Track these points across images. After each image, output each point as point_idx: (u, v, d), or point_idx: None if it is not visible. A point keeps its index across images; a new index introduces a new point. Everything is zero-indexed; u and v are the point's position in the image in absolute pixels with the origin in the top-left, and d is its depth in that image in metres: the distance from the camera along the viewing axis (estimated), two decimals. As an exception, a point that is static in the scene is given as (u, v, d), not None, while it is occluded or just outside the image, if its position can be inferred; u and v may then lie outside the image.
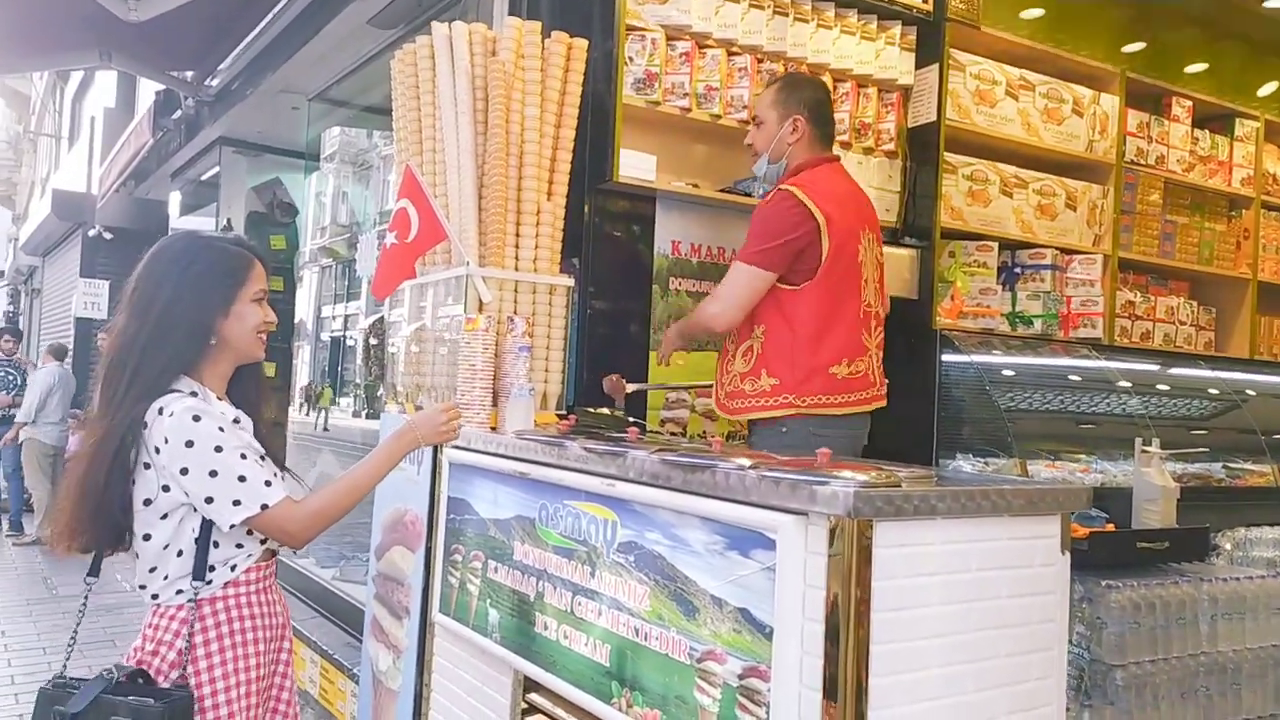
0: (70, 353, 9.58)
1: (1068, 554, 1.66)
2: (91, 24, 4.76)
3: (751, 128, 2.75)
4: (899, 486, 1.44)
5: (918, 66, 3.37)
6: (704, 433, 3.17)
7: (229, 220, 7.40)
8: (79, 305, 11.14)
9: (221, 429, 1.65)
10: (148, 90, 9.17)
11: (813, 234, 2.46)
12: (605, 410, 2.83)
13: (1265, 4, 3.96)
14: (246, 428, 1.74)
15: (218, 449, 1.63)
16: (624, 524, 1.84)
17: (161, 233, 9.64)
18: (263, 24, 4.78)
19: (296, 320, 7.38)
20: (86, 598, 1.80)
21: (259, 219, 7.19)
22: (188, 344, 1.70)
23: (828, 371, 2.51)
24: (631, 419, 2.93)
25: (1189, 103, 4.05)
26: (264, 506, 1.64)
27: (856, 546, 1.39)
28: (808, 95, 2.67)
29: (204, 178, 7.99)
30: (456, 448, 2.46)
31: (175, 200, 9.24)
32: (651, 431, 3.02)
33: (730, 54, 3.06)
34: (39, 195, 16.61)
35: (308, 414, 7.26)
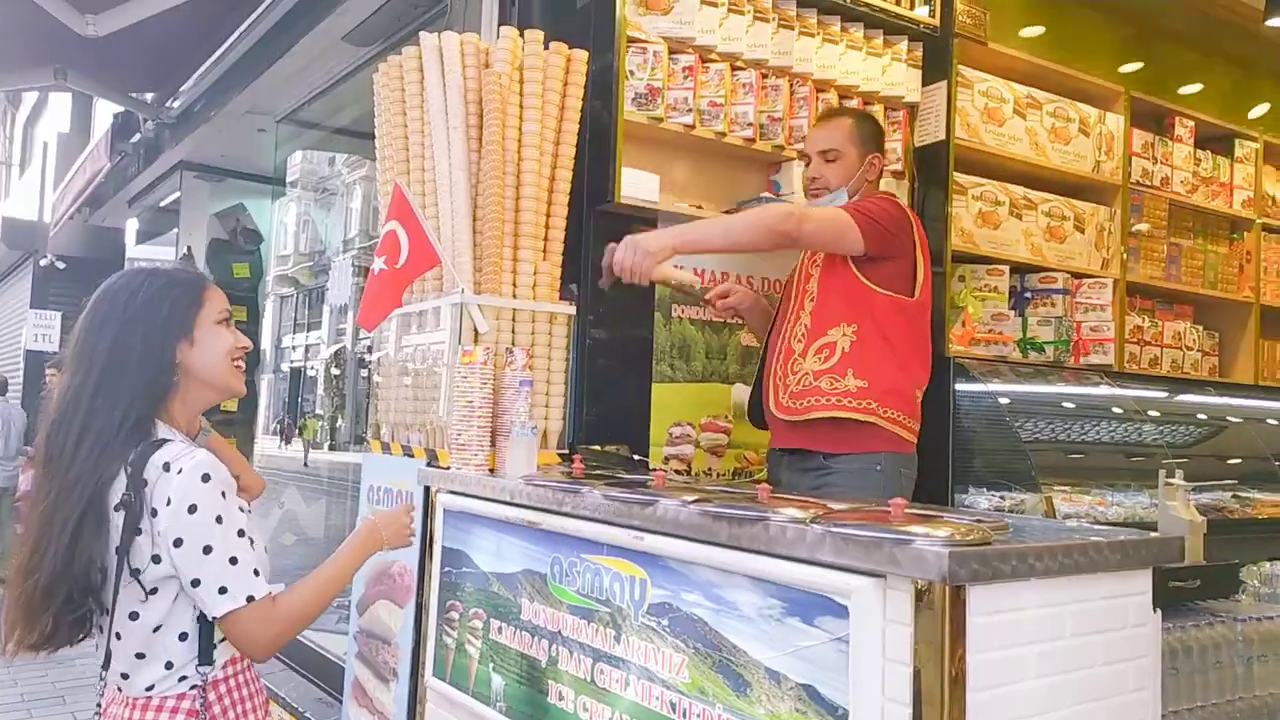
0: (8, 386, 9.13)
1: (1159, 612, 1.49)
2: (46, 41, 4.50)
3: (817, 161, 2.56)
4: (989, 544, 1.26)
5: (924, 83, 3.23)
6: (709, 469, 2.98)
7: (189, 248, 7.10)
8: (29, 338, 10.71)
9: (224, 494, 1.42)
10: (105, 114, 8.86)
11: (909, 245, 2.41)
12: (612, 448, 2.63)
13: (1262, 24, 3.90)
14: None
15: (219, 519, 1.40)
16: (655, 582, 1.63)
17: (116, 262, 9.30)
18: (229, 41, 4.54)
19: (261, 350, 7.10)
20: (103, 695, 1.51)
21: (221, 246, 6.91)
22: (146, 382, 1.46)
23: (913, 392, 2.42)
24: (636, 456, 2.74)
25: (1191, 123, 3.97)
26: (249, 599, 1.41)
27: (949, 615, 1.19)
28: (878, 131, 2.63)
29: (163, 204, 7.68)
30: (453, 493, 2.24)
31: (132, 228, 8.91)
32: (655, 468, 2.81)
33: (734, 69, 2.90)
34: (-12, 223, 16.05)
35: (282, 447, 6.98)
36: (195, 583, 1.40)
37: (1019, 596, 1.27)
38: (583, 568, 1.80)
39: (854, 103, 3.12)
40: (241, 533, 1.43)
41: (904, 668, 1.21)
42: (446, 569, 2.25)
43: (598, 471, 2.16)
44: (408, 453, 2.58)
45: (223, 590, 1.39)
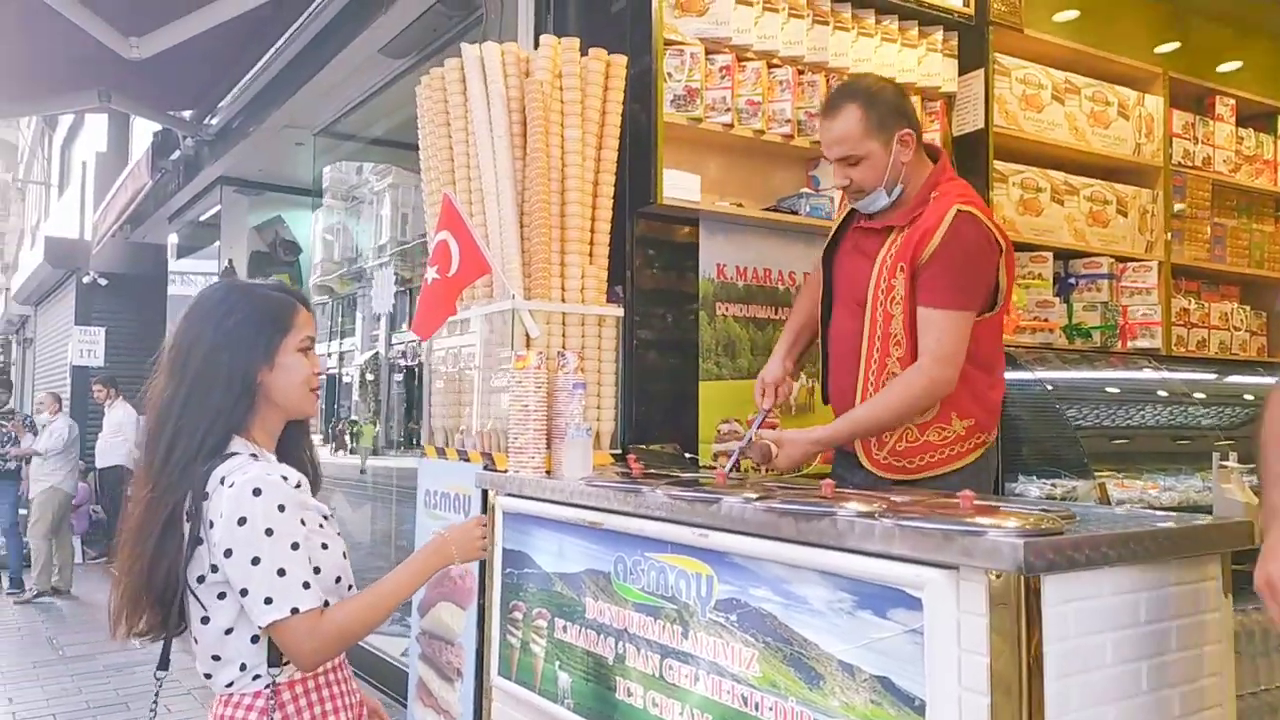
0: (65, 401, 9.35)
1: (1229, 597, 1.49)
2: (91, 64, 4.61)
3: (840, 168, 2.24)
4: (1061, 533, 1.27)
5: (961, 73, 3.23)
6: (757, 465, 2.99)
7: (230, 261, 7.24)
8: (75, 353, 10.92)
9: (281, 507, 1.45)
10: (142, 133, 9.02)
11: (998, 262, 2.16)
12: (658, 446, 2.66)
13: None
14: (305, 488, 1.55)
15: (268, 532, 1.43)
16: (722, 579, 1.66)
17: (159, 277, 9.49)
18: (266, 57, 4.62)
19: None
20: (157, 696, 1.58)
21: (261, 258, 7.04)
22: (231, 402, 1.51)
23: (1001, 403, 2.29)
24: (687, 454, 2.77)
25: (1232, 101, 3.92)
26: (294, 610, 1.43)
27: (1024, 605, 1.21)
28: (893, 100, 2.24)
29: (202, 219, 7.83)
30: (511, 495, 2.28)
31: (172, 243, 9.08)
32: (705, 466, 2.84)
33: (771, 66, 2.91)
34: (29, 245, 16.44)
35: (336, 453, 7.08)
36: (244, 592, 1.44)
37: (1092, 585, 1.28)
38: (647, 566, 1.84)
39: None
40: (296, 545, 1.45)
41: (980, 658, 1.23)
42: (508, 570, 2.29)
43: (654, 470, 2.19)
44: (463, 457, 2.63)
45: (268, 601, 1.42)
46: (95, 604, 7.79)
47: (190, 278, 9.02)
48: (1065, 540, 1.24)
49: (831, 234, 2.46)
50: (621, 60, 2.66)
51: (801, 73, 2.97)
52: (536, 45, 2.80)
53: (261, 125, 5.38)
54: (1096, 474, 2.99)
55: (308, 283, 7.42)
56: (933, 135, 3.20)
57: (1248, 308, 3.99)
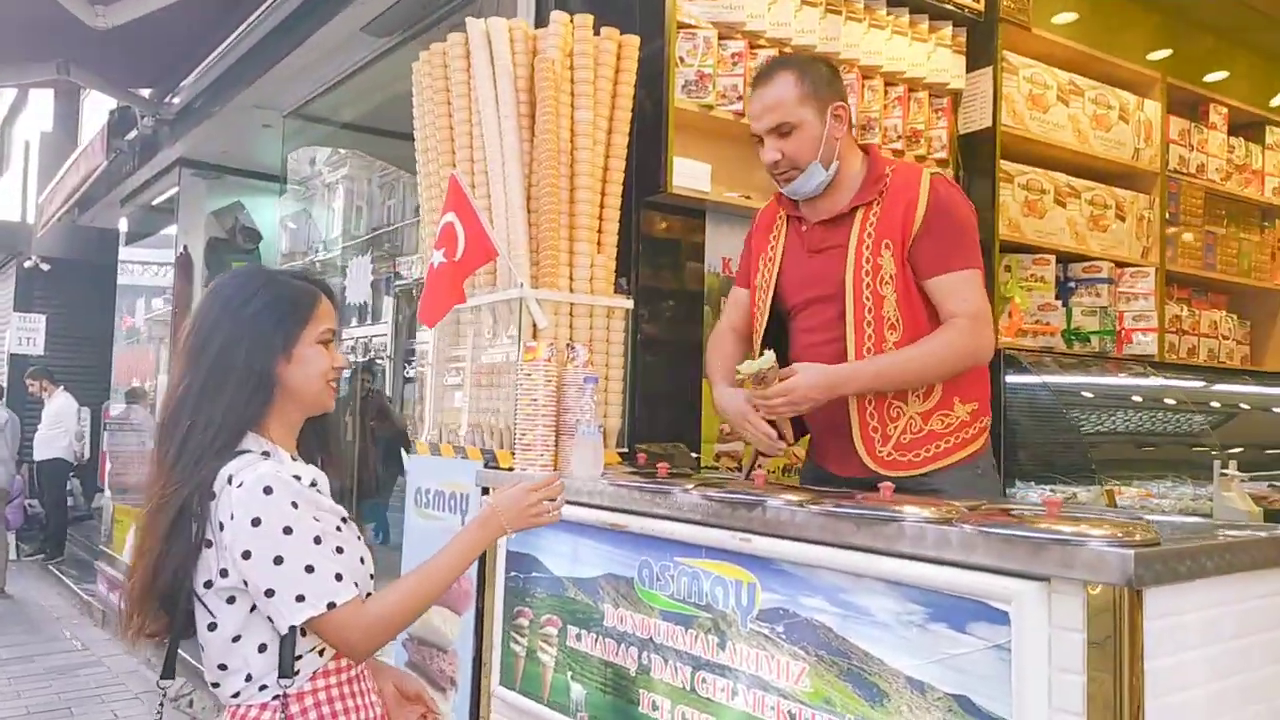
0: (5, 391, 8.94)
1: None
2: (49, 34, 4.35)
3: (772, 141, 2.02)
4: (1159, 544, 1.18)
5: (969, 69, 3.17)
6: (759, 464, 2.89)
7: (185, 247, 6.96)
8: (14, 341, 10.45)
9: (295, 504, 1.35)
10: (92, 112, 8.66)
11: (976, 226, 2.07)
12: (665, 446, 2.55)
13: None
14: (324, 489, 1.44)
15: (287, 530, 1.34)
16: (766, 586, 1.55)
17: (106, 264, 9.11)
18: (238, 32, 4.40)
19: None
20: (162, 703, 1.48)
21: (220, 245, 6.77)
22: (247, 395, 1.42)
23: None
24: (693, 453, 2.66)
25: (1224, 109, 3.93)
26: (331, 605, 1.35)
27: (1127, 621, 1.12)
28: (827, 72, 2.07)
29: (155, 202, 7.51)
30: (518, 495, 2.15)
31: (122, 228, 8.72)
32: (708, 466, 2.74)
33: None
34: (-35, 226, 15.73)
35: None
36: (269, 593, 1.35)
37: (1186, 598, 1.20)
38: (677, 571, 1.72)
39: (900, 90, 3.05)
40: (318, 539, 1.37)
41: (1075, 676, 1.14)
42: (512, 574, 2.16)
43: (678, 470, 2.08)
44: (460, 454, 2.49)
45: (300, 599, 1.34)
46: (31, 603, 7.43)
47: (131, 267, 8.68)
48: (1169, 551, 1.15)
49: (763, 258, 2.20)
50: (634, 41, 2.54)
51: (813, 62, 2.88)
52: (536, 24, 2.67)
53: (228, 105, 5.15)
54: (1104, 480, 2.95)
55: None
56: (939, 132, 3.14)
57: (1234, 316, 4.01)
